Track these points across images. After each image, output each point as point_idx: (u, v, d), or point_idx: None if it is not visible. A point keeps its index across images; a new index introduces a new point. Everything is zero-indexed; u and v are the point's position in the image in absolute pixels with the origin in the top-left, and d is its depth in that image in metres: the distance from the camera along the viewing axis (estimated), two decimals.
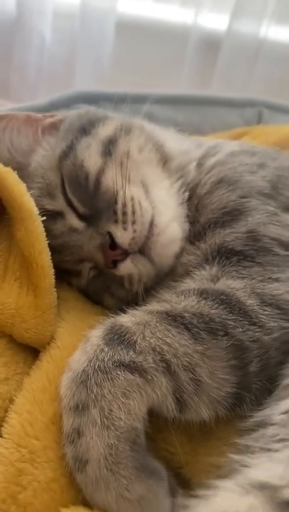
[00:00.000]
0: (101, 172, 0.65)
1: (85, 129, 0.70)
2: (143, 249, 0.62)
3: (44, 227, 0.58)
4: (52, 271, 0.58)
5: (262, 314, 0.52)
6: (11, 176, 0.57)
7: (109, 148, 0.67)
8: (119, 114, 0.78)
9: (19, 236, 0.57)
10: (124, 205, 0.62)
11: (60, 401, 0.48)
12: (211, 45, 1.81)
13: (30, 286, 0.58)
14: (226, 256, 0.59)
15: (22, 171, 0.65)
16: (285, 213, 0.63)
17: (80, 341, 0.53)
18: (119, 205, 0.62)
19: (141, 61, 1.87)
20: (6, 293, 0.57)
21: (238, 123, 1.11)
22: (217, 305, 0.52)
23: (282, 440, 0.40)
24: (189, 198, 0.68)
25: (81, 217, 0.65)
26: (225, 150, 0.73)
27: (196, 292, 0.54)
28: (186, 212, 0.67)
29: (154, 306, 0.55)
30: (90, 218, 0.64)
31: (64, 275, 0.63)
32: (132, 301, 0.62)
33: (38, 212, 0.57)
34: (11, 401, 0.53)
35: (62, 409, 0.47)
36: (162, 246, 0.63)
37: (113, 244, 0.61)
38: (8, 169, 0.57)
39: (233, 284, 0.55)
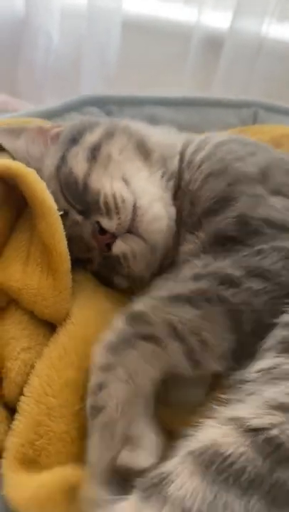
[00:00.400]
0: (87, 176, 0.76)
1: (75, 138, 0.81)
2: (131, 229, 0.72)
3: None
4: (68, 257, 0.68)
5: (249, 282, 0.61)
6: (34, 176, 0.67)
7: (94, 153, 0.78)
8: (109, 119, 0.87)
9: (40, 228, 0.67)
10: (106, 201, 0.71)
11: (92, 365, 0.57)
12: (213, 43, 1.87)
13: (50, 271, 0.67)
14: (222, 242, 0.68)
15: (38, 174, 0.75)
16: (272, 196, 0.72)
17: (91, 317, 0.64)
18: (102, 202, 0.72)
19: (146, 60, 1.94)
20: (29, 276, 0.67)
21: (235, 123, 1.19)
22: (210, 281, 0.62)
23: (252, 393, 0.49)
24: (179, 188, 0.78)
25: (80, 212, 0.75)
26: (213, 141, 0.81)
27: (190, 277, 0.64)
28: (172, 195, 0.77)
29: (156, 292, 0.65)
30: (86, 213, 0.74)
31: (79, 263, 0.73)
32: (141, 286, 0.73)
33: (56, 207, 0.67)
34: (32, 367, 0.63)
35: (92, 370, 0.57)
36: (148, 222, 0.72)
37: (102, 230, 0.71)
38: (31, 170, 0.67)
39: (221, 264, 0.65)
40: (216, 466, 0.42)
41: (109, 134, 0.81)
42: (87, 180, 0.75)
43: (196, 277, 0.63)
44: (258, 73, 1.84)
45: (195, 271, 0.66)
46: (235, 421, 0.45)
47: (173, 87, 1.88)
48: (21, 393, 0.61)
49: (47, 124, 0.89)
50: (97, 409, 0.53)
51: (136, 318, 0.59)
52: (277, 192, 0.73)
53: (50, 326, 0.68)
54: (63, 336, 0.64)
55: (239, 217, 0.68)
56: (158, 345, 0.56)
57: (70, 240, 0.70)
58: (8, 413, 0.63)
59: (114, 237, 0.71)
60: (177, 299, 0.60)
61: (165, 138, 0.88)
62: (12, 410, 0.62)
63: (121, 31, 1.93)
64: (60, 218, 0.68)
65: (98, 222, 0.71)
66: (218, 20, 1.88)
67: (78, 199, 0.75)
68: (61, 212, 0.68)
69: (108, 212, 0.71)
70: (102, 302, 0.71)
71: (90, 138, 0.80)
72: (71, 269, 0.68)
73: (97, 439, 0.52)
